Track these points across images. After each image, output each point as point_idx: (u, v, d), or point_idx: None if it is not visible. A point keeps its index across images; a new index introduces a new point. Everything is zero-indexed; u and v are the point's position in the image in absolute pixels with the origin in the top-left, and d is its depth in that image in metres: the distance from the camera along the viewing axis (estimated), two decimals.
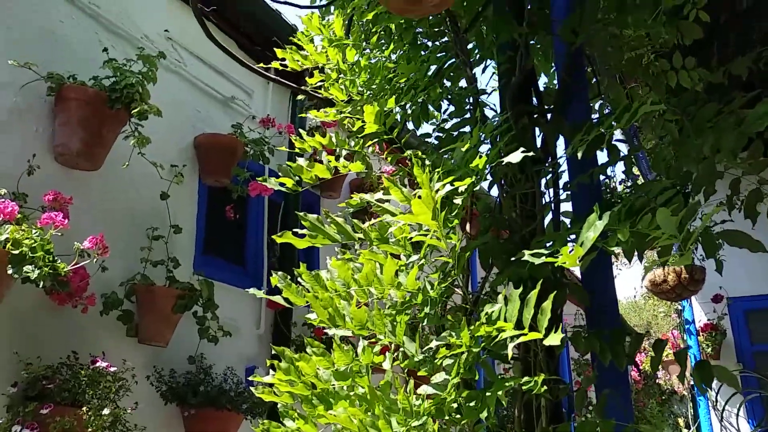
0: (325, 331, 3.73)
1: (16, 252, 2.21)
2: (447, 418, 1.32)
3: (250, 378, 1.39)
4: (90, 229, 2.64)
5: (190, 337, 3.14)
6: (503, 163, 1.30)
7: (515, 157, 1.26)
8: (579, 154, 1.25)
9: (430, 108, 2.12)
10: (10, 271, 2.19)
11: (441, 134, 2.04)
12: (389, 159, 1.89)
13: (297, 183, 1.80)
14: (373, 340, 1.53)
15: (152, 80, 3.00)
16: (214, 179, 3.62)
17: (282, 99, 4.51)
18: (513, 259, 1.31)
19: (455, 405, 1.34)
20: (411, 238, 1.40)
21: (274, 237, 1.45)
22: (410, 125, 2.18)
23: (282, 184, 1.87)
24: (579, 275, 1.68)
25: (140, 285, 2.89)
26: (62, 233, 2.35)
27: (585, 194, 1.58)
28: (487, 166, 1.43)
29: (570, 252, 1.08)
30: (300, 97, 3.54)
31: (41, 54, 2.84)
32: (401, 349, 1.54)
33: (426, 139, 2.17)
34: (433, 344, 1.30)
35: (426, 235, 1.33)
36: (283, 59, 1.98)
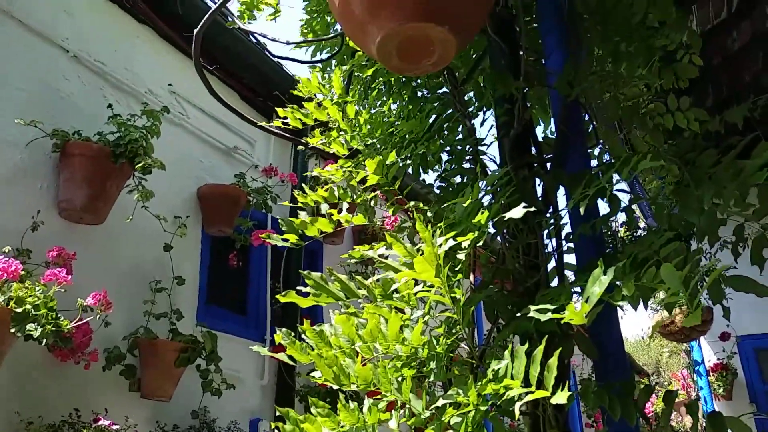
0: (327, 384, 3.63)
1: (19, 310, 2.21)
2: None
3: None
4: (93, 282, 2.64)
5: (193, 391, 3.09)
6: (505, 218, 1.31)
7: (517, 212, 1.27)
8: (582, 209, 1.25)
9: (431, 158, 2.14)
10: (12, 330, 2.18)
11: (443, 183, 2.05)
12: (391, 210, 1.90)
13: (300, 237, 1.80)
14: (379, 396, 1.51)
15: (156, 134, 3.04)
16: (218, 229, 3.63)
17: (284, 148, 4.56)
18: (519, 314, 1.30)
19: None
20: (416, 293, 1.39)
21: (278, 297, 1.45)
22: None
23: (285, 240, 1.88)
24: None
25: (143, 339, 2.87)
26: (65, 289, 2.35)
27: (588, 244, 1.58)
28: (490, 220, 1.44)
29: (576, 308, 1.08)
30: (301, 147, 3.59)
31: (47, 111, 2.90)
32: (407, 406, 1.52)
33: (430, 185, 2.19)
34: (440, 403, 1.29)
35: (430, 291, 1.33)
36: (285, 117, 2.01)
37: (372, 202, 2.06)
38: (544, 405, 1.47)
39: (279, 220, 1.91)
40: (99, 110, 3.09)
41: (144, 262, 3.19)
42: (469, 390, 1.20)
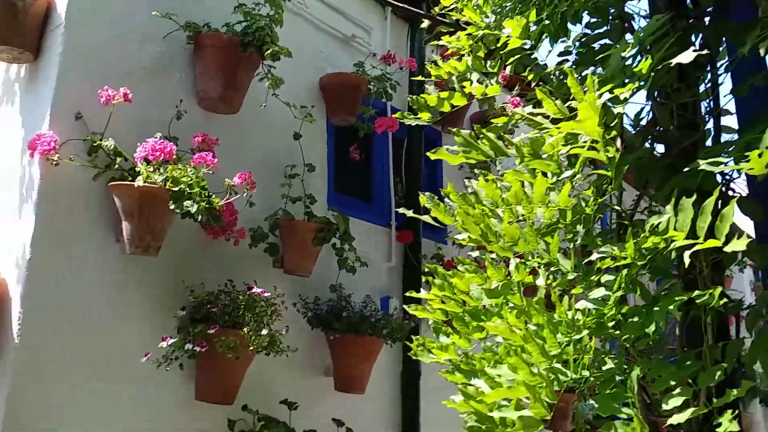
0: (455, 264, 3.74)
1: (176, 189, 2.41)
2: (607, 333, 1.31)
3: (401, 302, 1.45)
4: (231, 168, 2.80)
5: (329, 268, 3.31)
6: (671, 66, 1.21)
7: (687, 56, 1.17)
8: (762, 51, 1.13)
9: (569, 25, 2.01)
10: (172, 207, 2.40)
11: (582, 49, 1.93)
12: (531, 76, 1.83)
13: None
14: (523, 260, 1.53)
15: (279, 23, 3.07)
16: (341, 118, 3.69)
17: (400, 35, 4.46)
18: (686, 169, 1.23)
19: (613, 321, 1.32)
20: (568, 151, 1.36)
21: (428, 153, 1.46)
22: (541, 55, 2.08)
23: (417, 117, 1.88)
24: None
25: (282, 220, 3.06)
26: (213, 171, 2.53)
27: (755, 98, 1.45)
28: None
29: (759, 156, 1.00)
30: (425, 24, 3.50)
31: (176, 4, 2.99)
32: (552, 268, 1.52)
33: (564, 58, 2.07)
34: (594, 257, 1.28)
35: (583, 147, 1.29)
36: None
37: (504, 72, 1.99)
38: (700, 267, 1.42)
39: (408, 99, 1.90)
40: (221, 1, 3.14)
41: (276, 149, 3.33)
42: (627, 243, 1.18)
